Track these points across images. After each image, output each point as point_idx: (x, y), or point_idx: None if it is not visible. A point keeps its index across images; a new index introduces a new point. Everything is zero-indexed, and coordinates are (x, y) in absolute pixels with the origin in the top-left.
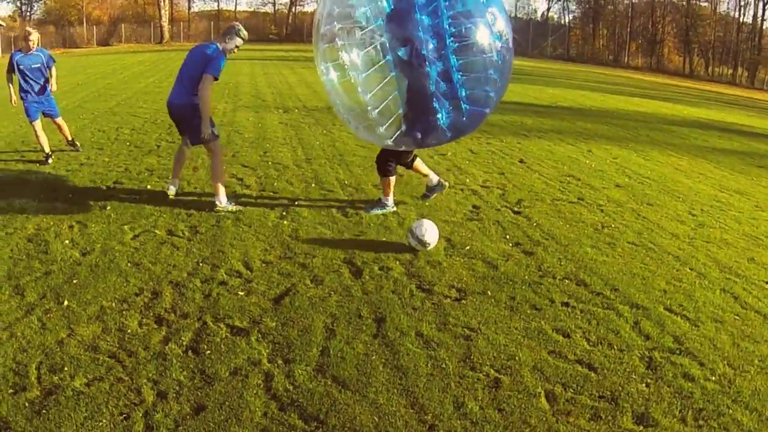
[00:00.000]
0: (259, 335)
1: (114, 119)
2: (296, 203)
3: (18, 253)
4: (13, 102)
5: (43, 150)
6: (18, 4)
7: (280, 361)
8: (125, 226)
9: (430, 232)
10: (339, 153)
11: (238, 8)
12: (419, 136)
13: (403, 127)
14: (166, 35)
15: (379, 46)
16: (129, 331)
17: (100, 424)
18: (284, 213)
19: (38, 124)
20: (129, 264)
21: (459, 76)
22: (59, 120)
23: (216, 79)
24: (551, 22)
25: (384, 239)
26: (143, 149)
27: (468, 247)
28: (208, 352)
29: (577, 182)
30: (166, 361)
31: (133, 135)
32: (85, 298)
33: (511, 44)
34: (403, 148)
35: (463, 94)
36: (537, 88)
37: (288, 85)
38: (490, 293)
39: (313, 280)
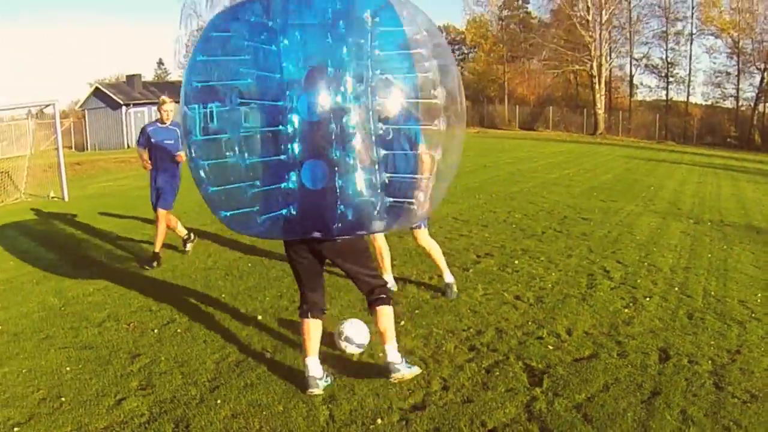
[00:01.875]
0: (545, 376)
1: (510, 203)
2: (647, 298)
3: None
4: (145, 165)
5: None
6: None
7: (550, 394)
8: (479, 285)
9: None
10: (725, 267)
11: (691, 99)
12: None
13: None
14: (601, 125)
15: None
16: (443, 349)
17: None
18: (630, 304)
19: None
20: (468, 310)
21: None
22: (160, 212)
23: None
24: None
25: (712, 342)
26: (526, 232)
27: None
28: (497, 373)
29: None
30: (462, 371)
31: (522, 220)
32: (420, 323)
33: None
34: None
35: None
36: None
37: (716, 197)
38: None
39: (620, 354)
